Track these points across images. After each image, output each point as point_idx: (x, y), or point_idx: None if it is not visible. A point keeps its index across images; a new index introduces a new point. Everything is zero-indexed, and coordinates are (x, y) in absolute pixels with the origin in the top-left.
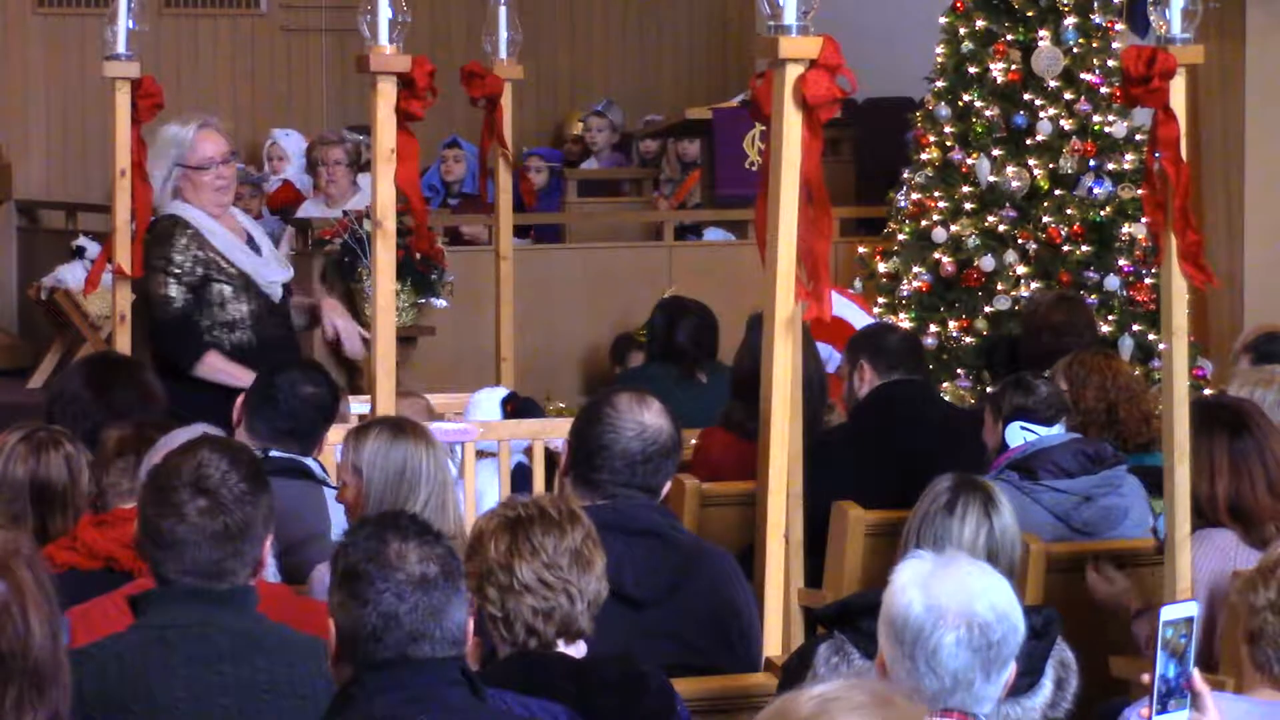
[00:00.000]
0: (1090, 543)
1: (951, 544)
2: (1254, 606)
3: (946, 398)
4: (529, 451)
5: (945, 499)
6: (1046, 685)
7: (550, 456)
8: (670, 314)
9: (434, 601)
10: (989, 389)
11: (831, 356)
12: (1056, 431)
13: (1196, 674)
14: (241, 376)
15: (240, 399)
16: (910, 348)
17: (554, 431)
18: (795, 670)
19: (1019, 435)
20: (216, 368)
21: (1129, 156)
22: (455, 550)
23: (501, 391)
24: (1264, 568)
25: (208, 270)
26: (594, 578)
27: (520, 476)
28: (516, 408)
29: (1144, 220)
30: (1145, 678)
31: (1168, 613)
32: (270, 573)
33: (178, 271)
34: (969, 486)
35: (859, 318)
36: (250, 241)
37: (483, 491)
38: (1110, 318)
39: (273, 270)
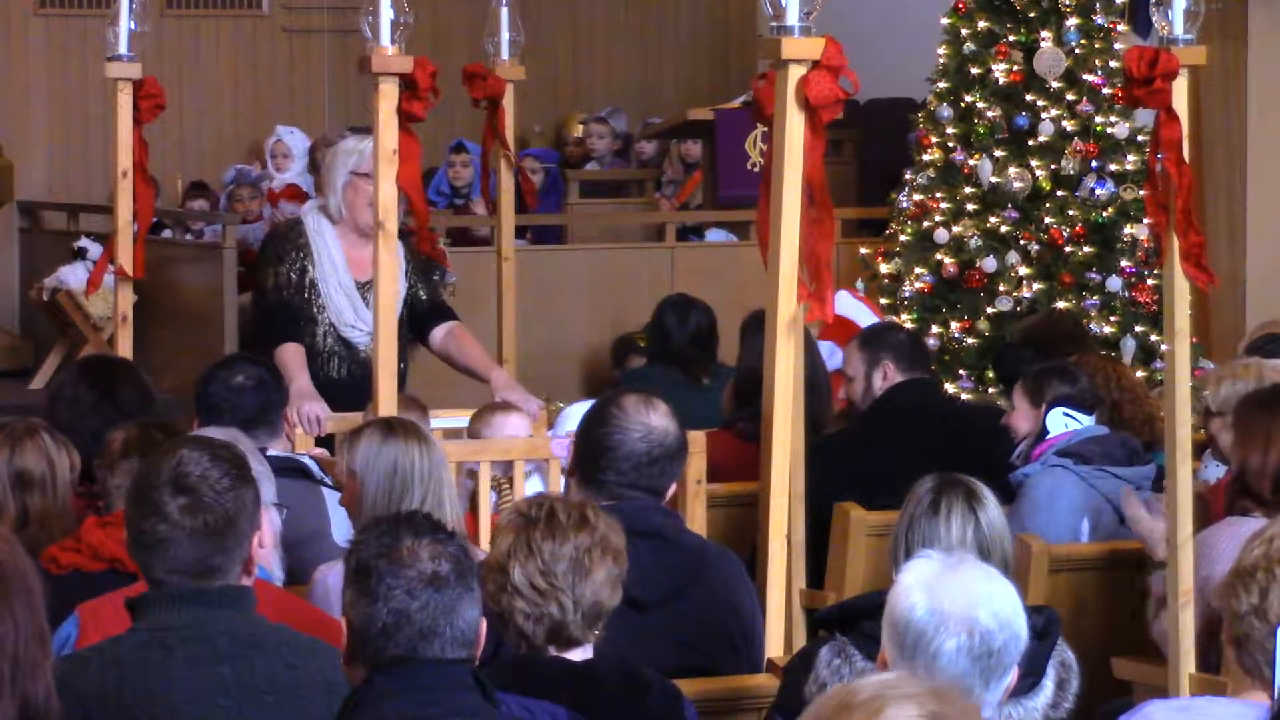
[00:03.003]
0: (1100, 544)
1: (939, 545)
2: (1237, 612)
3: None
4: None
5: (929, 500)
6: (1048, 686)
7: None
8: (677, 314)
9: (445, 600)
10: (990, 390)
11: (833, 354)
12: (1093, 421)
13: None
14: (293, 379)
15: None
16: (921, 346)
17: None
18: (797, 672)
19: (1061, 421)
20: (282, 359)
21: (1131, 157)
22: (468, 549)
23: (589, 404)
24: (1242, 571)
25: (303, 285)
26: (592, 586)
27: None
28: None
29: (1146, 221)
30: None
31: None
32: (276, 573)
33: (283, 269)
34: (951, 485)
35: (866, 318)
36: (368, 284)
37: None
38: (1112, 319)
39: (364, 317)
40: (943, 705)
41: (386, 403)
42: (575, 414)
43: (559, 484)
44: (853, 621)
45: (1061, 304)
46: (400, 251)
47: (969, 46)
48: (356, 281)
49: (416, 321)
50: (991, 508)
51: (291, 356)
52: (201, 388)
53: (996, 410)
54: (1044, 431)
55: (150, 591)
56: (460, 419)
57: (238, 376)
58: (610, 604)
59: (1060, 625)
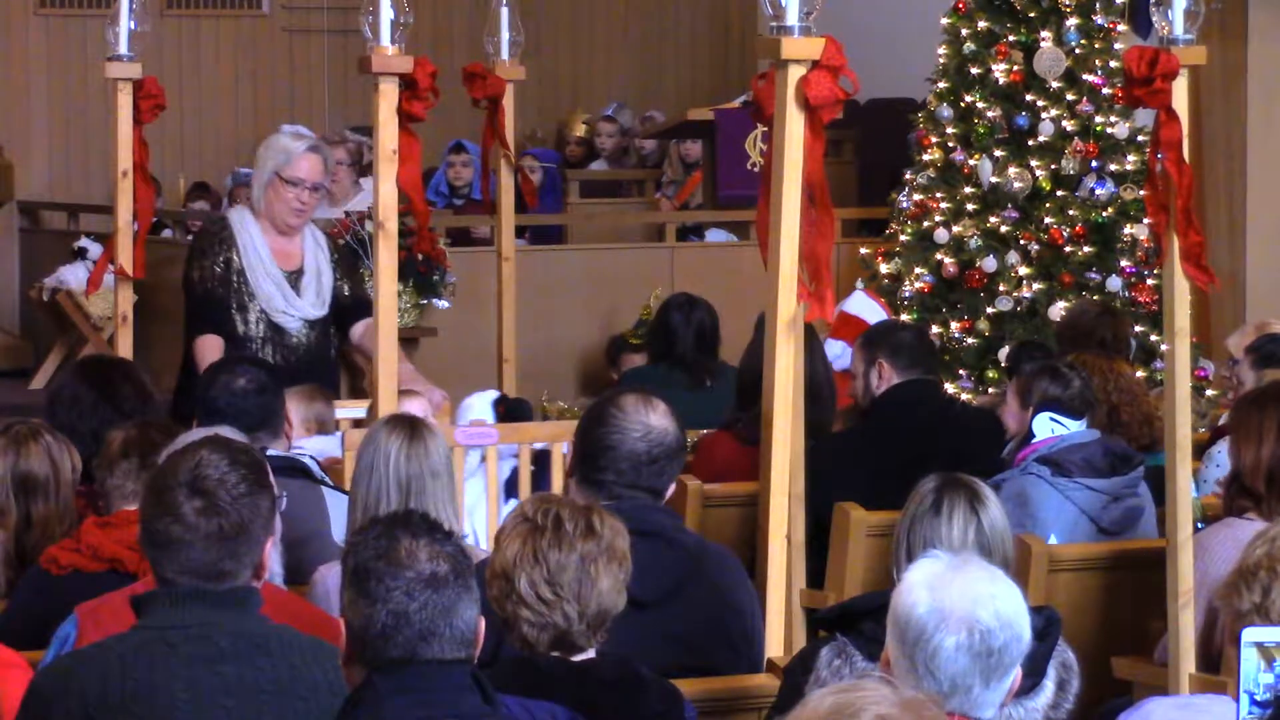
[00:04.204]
0: (1100, 544)
1: (941, 544)
2: (1239, 611)
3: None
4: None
5: (931, 500)
6: (1048, 686)
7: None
8: (682, 314)
9: (444, 600)
10: (991, 390)
11: (844, 353)
12: (1082, 426)
13: None
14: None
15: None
16: (926, 346)
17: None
18: (796, 673)
19: (1047, 427)
20: (202, 349)
21: (1131, 157)
22: (465, 549)
23: (492, 394)
24: (1244, 570)
25: (229, 276)
26: (597, 594)
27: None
28: (508, 409)
29: (1146, 221)
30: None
31: (1252, 635)
32: (275, 568)
33: (207, 263)
34: (953, 485)
35: (878, 317)
36: (296, 273)
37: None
38: None
39: (295, 304)
40: (908, 713)
41: (386, 401)
42: (476, 404)
43: (462, 471)
44: (853, 622)
45: (1062, 303)
46: (325, 247)
47: (969, 46)
48: (283, 271)
49: (339, 315)
50: (993, 508)
51: (210, 347)
52: (203, 390)
53: (995, 411)
54: (1031, 434)
55: (157, 590)
56: (361, 409)
57: (240, 379)
58: (615, 609)
59: (1060, 625)
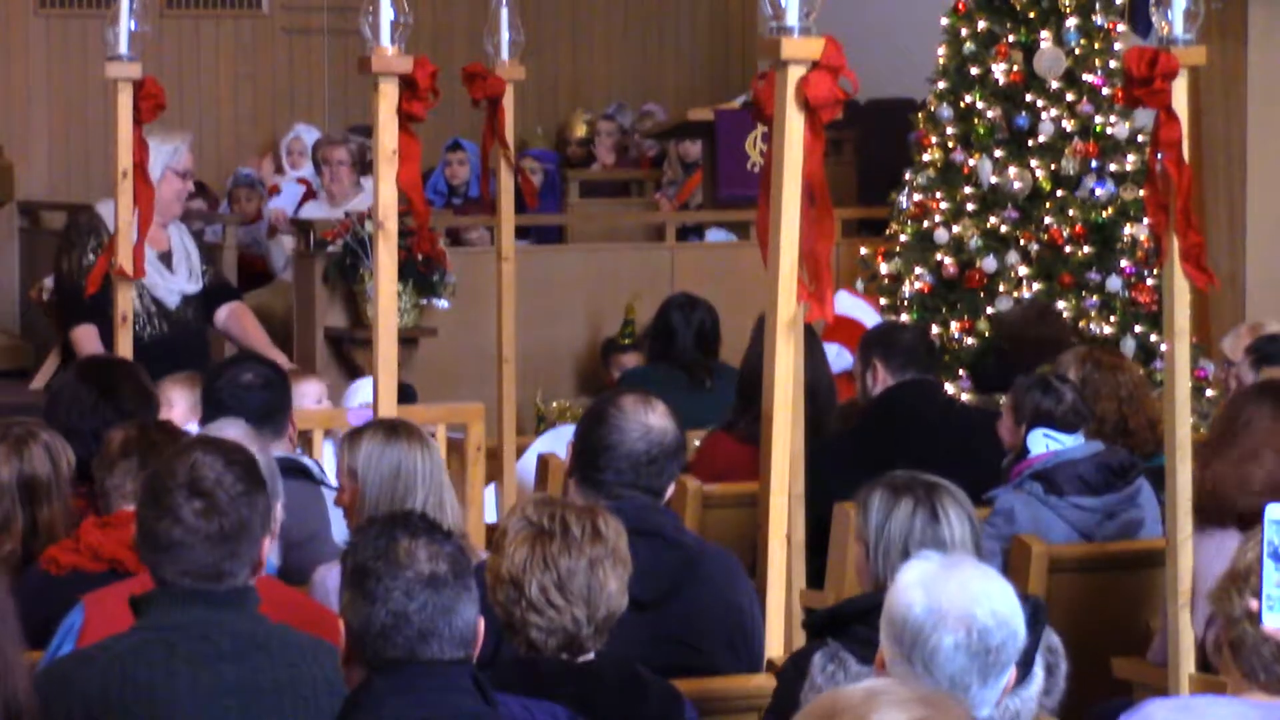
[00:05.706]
0: (1100, 544)
1: (944, 548)
2: (1231, 617)
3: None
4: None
5: (926, 511)
6: (1038, 674)
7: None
8: (683, 314)
9: (443, 600)
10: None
11: (839, 355)
12: (1078, 440)
13: None
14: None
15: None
16: (924, 346)
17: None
18: (790, 678)
19: (1041, 443)
20: (79, 340)
21: (1131, 157)
22: (465, 549)
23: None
24: (1235, 575)
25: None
26: (606, 598)
27: None
28: None
29: (1146, 221)
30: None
31: (1276, 512)
32: (272, 560)
33: (75, 254)
34: (937, 490)
35: (870, 317)
36: (166, 254)
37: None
38: (1112, 319)
39: (171, 281)
40: (931, 710)
41: (386, 402)
42: (363, 388)
43: None
44: (844, 625)
45: (1062, 303)
46: (187, 230)
47: (969, 46)
48: (155, 253)
49: (203, 299)
50: (967, 499)
51: (87, 337)
52: (209, 385)
53: (995, 412)
54: (1026, 450)
55: (155, 590)
56: None
57: (246, 375)
58: (621, 610)
59: (1046, 612)
